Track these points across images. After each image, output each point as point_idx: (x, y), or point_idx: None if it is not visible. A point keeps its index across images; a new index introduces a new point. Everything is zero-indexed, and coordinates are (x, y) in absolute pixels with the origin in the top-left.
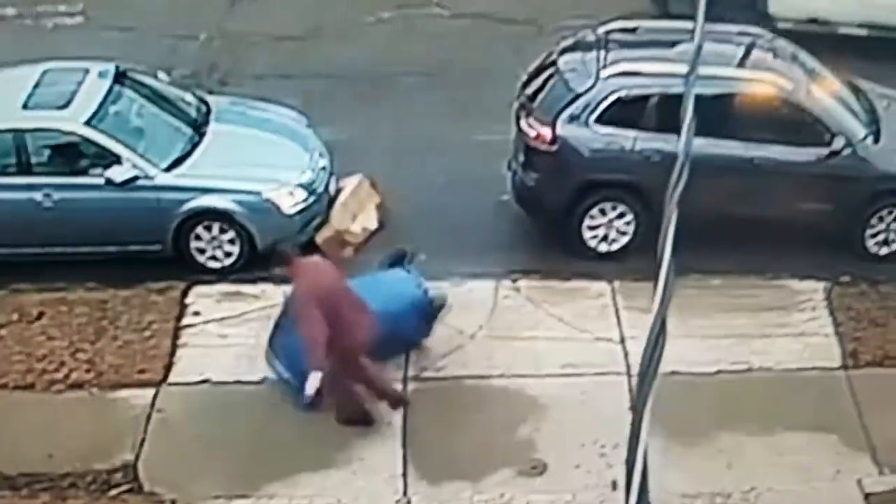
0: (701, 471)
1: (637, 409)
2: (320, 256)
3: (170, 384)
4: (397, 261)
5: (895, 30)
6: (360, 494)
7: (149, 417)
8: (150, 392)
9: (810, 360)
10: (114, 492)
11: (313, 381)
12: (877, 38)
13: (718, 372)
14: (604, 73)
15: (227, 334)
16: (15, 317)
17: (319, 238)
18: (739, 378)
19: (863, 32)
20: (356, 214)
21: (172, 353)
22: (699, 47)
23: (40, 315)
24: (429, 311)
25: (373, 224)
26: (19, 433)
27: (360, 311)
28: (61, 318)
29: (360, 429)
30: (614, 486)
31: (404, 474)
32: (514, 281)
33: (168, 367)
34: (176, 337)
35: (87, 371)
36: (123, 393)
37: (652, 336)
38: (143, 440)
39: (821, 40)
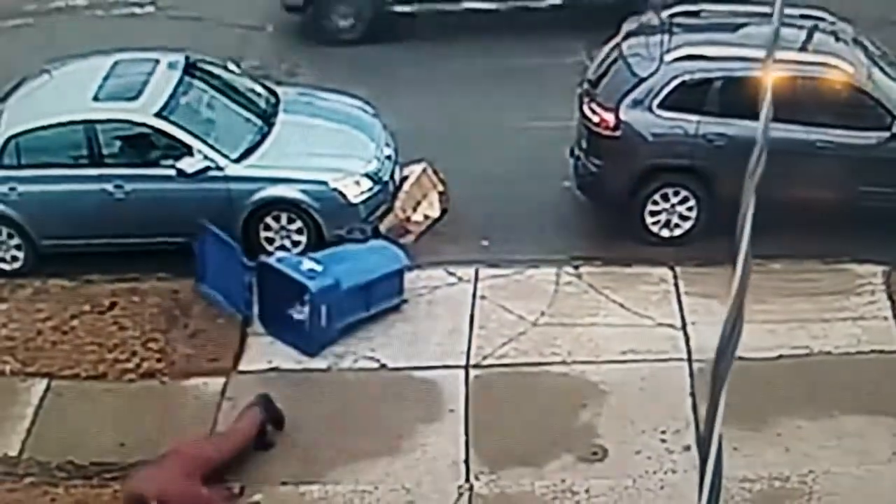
0: (759, 455)
1: (713, 392)
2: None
3: (239, 372)
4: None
5: None
6: (422, 481)
7: (219, 405)
8: (221, 381)
9: (868, 343)
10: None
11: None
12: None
13: (779, 357)
14: (667, 58)
15: None
16: (87, 307)
17: (383, 226)
18: (798, 362)
19: (491, 6)
20: (419, 202)
21: (242, 342)
22: (777, 30)
23: (112, 305)
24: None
25: (435, 212)
26: (91, 422)
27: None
28: (133, 308)
29: (425, 415)
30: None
31: (466, 461)
32: (576, 267)
33: (238, 356)
34: (245, 325)
35: (159, 360)
36: (194, 381)
37: (730, 318)
38: (213, 428)
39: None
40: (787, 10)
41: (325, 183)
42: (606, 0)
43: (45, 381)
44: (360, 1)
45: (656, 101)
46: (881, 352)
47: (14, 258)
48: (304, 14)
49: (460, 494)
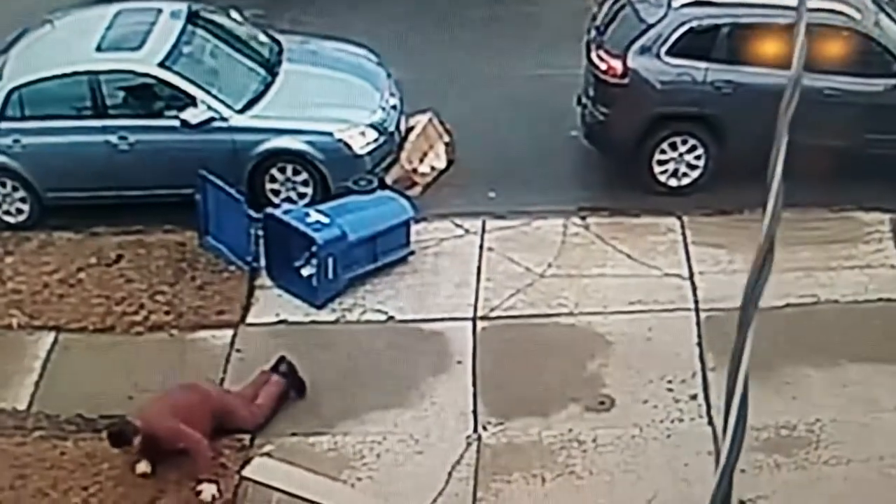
0: (767, 404)
1: (739, 335)
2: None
3: (248, 325)
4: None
5: None
6: (430, 431)
7: (227, 358)
8: (229, 333)
9: (876, 291)
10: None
11: (210, 490)
12: None
13: (786, 305)
14: (675, 3)
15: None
16: (93, 260)
17: (389, 178)
18: (805, 311)
19: None
20: (425, 153)
21: (250, 295)
22: None
23: (119, 258)
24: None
25: (441, 163)
26: (99, 375)
27: (194, 389)
28: (139, 260)
29: (433, 366)
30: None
31: (474, 411)
32: (583, 218)
33: (246, 308)
34: (253, 278)
35: (167, 313)
36: (202, 334)
37: (759, 259)
38: (222, 380)
39: None
40: None
41: (330, 134)
42: None
43: (52, 335)
44: None
45: (664, 48)
46: (888, 300)
47: (19, 211)
48: None
49: (468, 444)
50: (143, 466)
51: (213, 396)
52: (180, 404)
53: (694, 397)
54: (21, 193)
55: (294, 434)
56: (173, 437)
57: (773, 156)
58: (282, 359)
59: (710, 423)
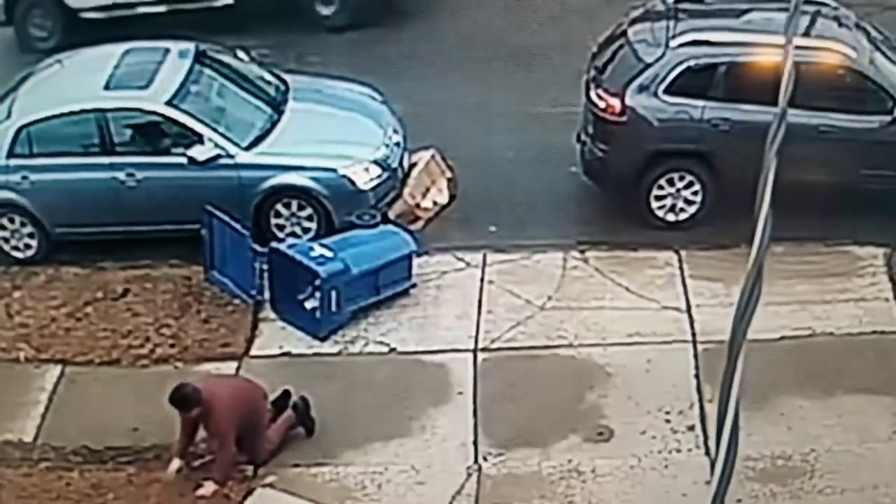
0: (762, 434)
1: (728, 364)
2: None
3: (251, 357)
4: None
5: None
6: (432, 462)
7: None
8: (233, 365)
9: (870, 324)
10: (197, 463)
11: (210, 488)
12: (173, 11)
13: (781, 338)
14: (673, 43)
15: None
16: (100, 294)
17: (392, 212)
18: (801, 343)
19: (162, 9)
20: (428, 188)
21: (254, 327)
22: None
23: (125, 292)
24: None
25: (444, 198)
26: (105, 408)
27: (256, 391)
28: (146, 294)
29: (434, 398)
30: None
31: (475, 442)
32: (583, 252)
33: (250, 341)
34: (257, 311)
35: (172, 346)
36: (207, 366)
37: (747, 286)
38: None
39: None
40: None
41: (334, 170)
42: None
43: (59, 368)
44: None
45: (662, 87)
46: (882, 332)
47: (27, 246)
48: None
49: (469, 475)
50: (175, 465)
51: (262, 409)
52: (244, 396)
53: (691, 428)
54: (29, 229)
55: (296, 465)
56: (217, 432)
57: (761, 187)
58: (286, 393)
59: (708, 453)
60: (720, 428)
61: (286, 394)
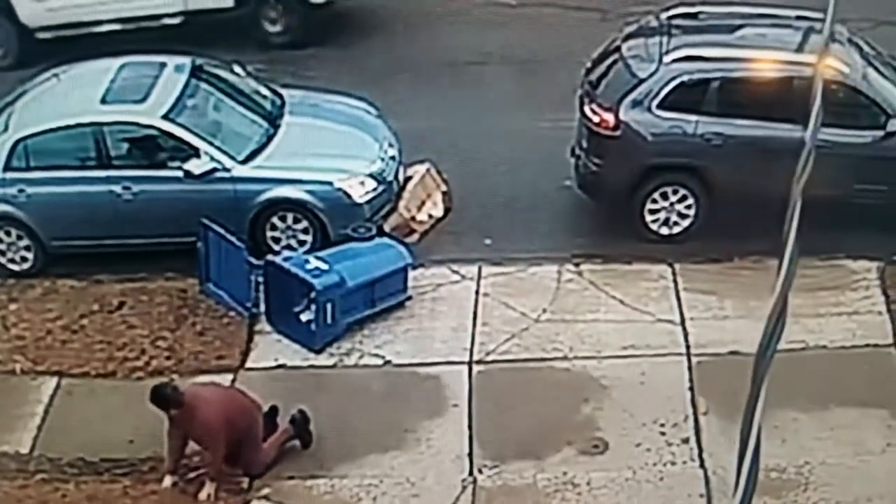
0: None
1: (754, 388)
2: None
3: (247, 369)
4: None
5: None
6: (427, 474)
7: None
8: (229, 377)
9: (863, 337)
10: (192, 475)
11: (208, 489)
12: (126, 30)
13: (775, 351)
14: (666, 59)
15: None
16: (96, 307)
17: (388, 225)
18: (794, 357)
19: (115, 27)
20: (423, 202)
21: (249, 340)
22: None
23: (121, 305)
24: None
25: (439, 211)
26: (101, 419)
27: (245, 396)
28: (141, 307)
29: (429, 410)
30: None
31: (470, 454)
32: (577, 265)
33: (245, 353)
34: (252, 324)
35: (168, 358)
36: (202, 379)
37: (773, 314)
38: None
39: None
40: (783, 12)
41: (330, 183)
42: None
43: (55, 380)
44: None
45: (655, 102)
46: (875, 346)
47: (23, 259)
48: None
49: (464, 487)
50: (168, 482)
51: (255, 418)
52: (235, 405)
53: (686, 440)
54: (25, 242)
55: (291, 477)
56: (204, 433)
57: (788, 219)
58: (274, 409)
59: (702, 465)
60: (741, 457)
61: (273, 410)
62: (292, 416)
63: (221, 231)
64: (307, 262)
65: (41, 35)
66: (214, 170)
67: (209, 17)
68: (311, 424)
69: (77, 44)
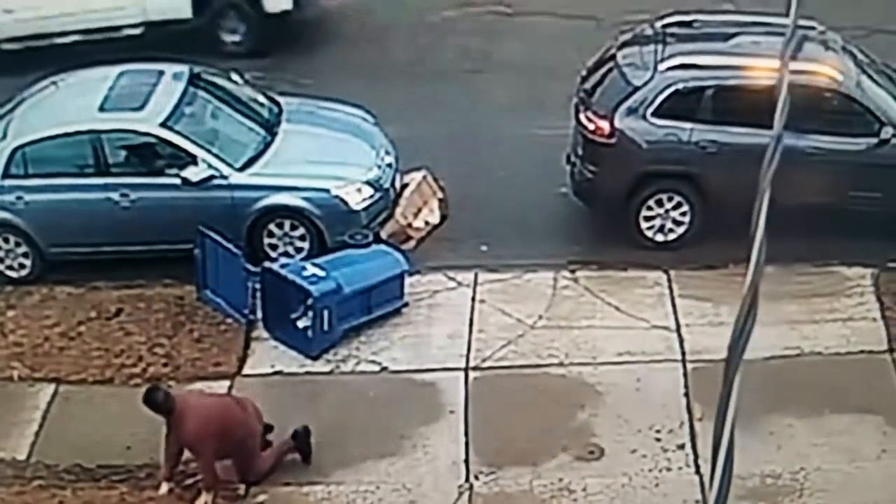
0: (752, 453)
1: (726, 384)
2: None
3: (244, 376)
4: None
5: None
6: (423, 480)
7: None
8: (226, 384)
9: (858, 344)
10: (189, 481)
11: (205, 498)
12: (85, 41)
13: (771, 357)
14: (661, 67)
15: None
16: (94, 314)
17: (384, 232)
18: (790, 363)
19: (76, 38)
20: (419, 209)
21: (246, 346)
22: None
23: (118, 311)
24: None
25: (435, 218)
26: (98, 426)
27: (243, 406)
28: (139, 314)
29: (425, 416)
30: None
31: (466, 460)
32: (573, 271)
33: (242, 360)
34: (249, 330)
35: (165, 365)
36: (200, 385)
37: (742, 310)
38: None
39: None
40: (777, 20)
41: (327, 190)
42: None
43: (52, 386)
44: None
45: (650, 109)
46: (870, 352)
47: (21, 266)
48: None
49: (460, 493)
50: (164, 489)
51: (252, 428)
52: (228, 414)
53: (682, 447)
54: (24, 249)
55: (288, 483)
56: (192, 442)
57: (756, 210)
58: (268, 428)
59: (698, 472)
60: (715, 453)
61: (267, 428)
62: (295, 431)
63: (219, 238)
64: (304, 268)
65: (7, 46)
66: (212, 177)
67: (169, 27)
68: (311, 438)
69: (38, 55)
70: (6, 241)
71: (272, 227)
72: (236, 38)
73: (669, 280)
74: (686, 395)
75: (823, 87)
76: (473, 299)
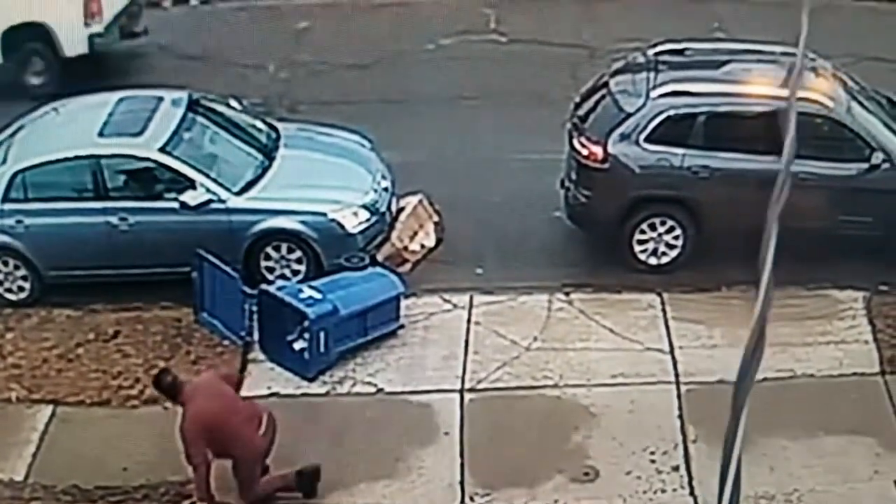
0: (746, 474)
1: (733, 415)
2: (210, 375)
3: (240, 397)
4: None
5: None
6: (419, 502)
7: None
8: None
9: (850, 366)
10: (185, 503)
11: None
12: None
13: (763, 380)
14: (653, 94)
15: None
16: (92, 336)
17: (380, 255)
18: (783, 385)
19: None
20: (415, 232)
21: (243, 368)
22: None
23: (116, 334)
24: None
25: (431, 241)
26: (95, 447)
27: (251, 420)
28: (136, 336)
29: (421, 438)
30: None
31: (461, 482)
32: (567, 294)
33: (239, 382)
34: (246, 352)
35: None
36: None
37: (751, 342)
38: None
39: None
40: (768, 48)
41: (323, 214)
42: None
43: (50, 408)
44: None
45: (643, 135)
46: (862, 374)
47: (20, 288)
48: None
49: None
50: None
51: (255, 453)
52: (225, 424)
53: (676, 468)
54: (23, 272)
55: None
56: (183, 437)
57: (764, 243)
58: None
59: (692, 493)
60: (723, 481)
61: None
62: (301, 469)
63: (216, 261)
64: (301, 291)
65: None
66: (210, 201)
67: None
68: (319, 481)
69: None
70: (6, 264)
71: (269, 250)
72: (41, 80)
73: (663, 303)
74: (680, 416)
75: (815, 114)
76: (469, 321)
